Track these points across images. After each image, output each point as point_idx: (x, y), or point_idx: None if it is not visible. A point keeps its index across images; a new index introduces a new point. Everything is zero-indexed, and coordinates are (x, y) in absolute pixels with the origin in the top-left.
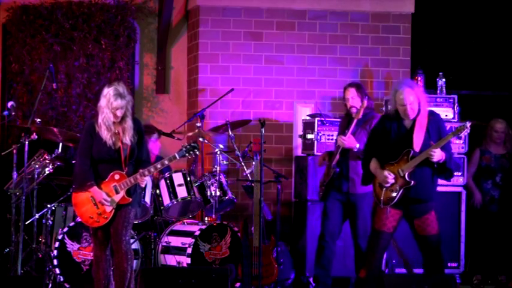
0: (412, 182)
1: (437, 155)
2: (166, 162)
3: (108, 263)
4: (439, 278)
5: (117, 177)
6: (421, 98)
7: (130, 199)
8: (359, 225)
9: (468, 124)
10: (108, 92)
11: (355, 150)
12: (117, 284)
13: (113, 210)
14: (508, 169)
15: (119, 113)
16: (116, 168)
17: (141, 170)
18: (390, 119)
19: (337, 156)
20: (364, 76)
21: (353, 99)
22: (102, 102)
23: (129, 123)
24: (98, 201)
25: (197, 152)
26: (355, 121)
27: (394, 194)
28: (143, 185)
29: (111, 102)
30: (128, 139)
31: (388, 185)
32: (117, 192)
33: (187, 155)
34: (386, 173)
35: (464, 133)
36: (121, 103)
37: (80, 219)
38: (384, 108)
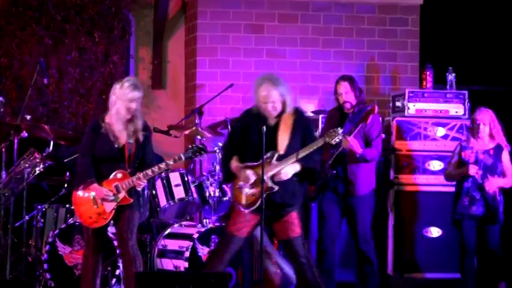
0: (276, 188)
1: (285, 176)
2: (170, 163)
3: (98, 268)
4: (450, 282)
5: (119, 175)
6: (286, 95)
7: (132, 200)
8: (359, 230)
9: (340, 131)
10: (123, 83)
11: (358, 155)
12: (126, 286)
13: (113, 211)
14: (489, 167)
15: (134, 106)
16: (119, 168)
17: (138, 174)
18: (252, 116)
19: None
20: (370, 71)
21: (347, 94)
22: (116, 93)
23: (140, 119)
24: (100, 197)
25: (204, 154)
26: (360, 125)
27: (255, 199)
28: (139, 189)
29: (127, 93)
30: (134, 139)
31: (248, 185)
32: (118, 191)
33: (193, 156)
34: (248, 172)
35: (336, 139)
36: (138, 94)
37: (74, 220)
38: (391, 105)
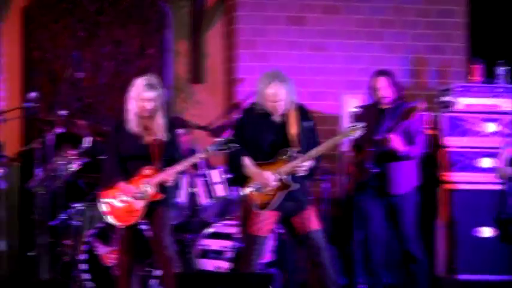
0: (294, 186)
1: (306, 169)
2: (200, 156)
3: (132, 267)
4: (502, 284)
5: (147, 172)
6: (291, 92)
7: (163, 195)
8: (407, 228)
9: (360, 125)
10: (138, 81)
11: (401, 153)
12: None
13: (144, 209)
14: None
15: (149, 106)
16: (146, 165)
17: (167, 168)
18: (259, 115)
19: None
20: (416, 64)
21: (384, 89)
22: (131, 92)
23: (160, 119)
24: (128, 195)
25: (232, 147)
26: (405, 123)
27: (271, 198)
28: (169, 184)
29: (140, 92)
30: (158, 135)
31: (270, 188)
32: (147, 188)
33: (221, 148)
34: (267, 174)
35: (356, 134)
36: (151, 94)
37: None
38: (438, 100)
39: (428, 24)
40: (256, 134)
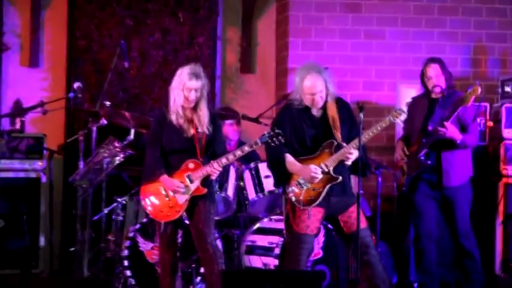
0: (340, 178)
1: (355, 156)
2: (246, 149)
3: (176, 263)
4: None
5: (191, 166)
6: (329, 83)
7: (206, 190)
8: (459, 223)
9: (405, 108)
10: (182, 71)
11: (458, 142)
12: (209, 285)
13: (186, 203)
14: None
15: (193, 96)
16: (190, 158)
17: (211, 162)
18: (297, 108)
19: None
20: (477, 53)
21: (437, 77)
22: (175, 82)
23: (204, 110)
24: (171, 189)
25: (282, 140)
26: (461, 109)
27: (317, 193)
28: (213, 178)
29: (184, 82)
30: (203, 127)
31: (316, 181)
32: (191, 182)
33: (270, 141)
34: (312, 167)
35: (401, 118)
36: (196, 84)
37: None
38: (499, 90)
39: (491, 11)
40: (297, 130)
